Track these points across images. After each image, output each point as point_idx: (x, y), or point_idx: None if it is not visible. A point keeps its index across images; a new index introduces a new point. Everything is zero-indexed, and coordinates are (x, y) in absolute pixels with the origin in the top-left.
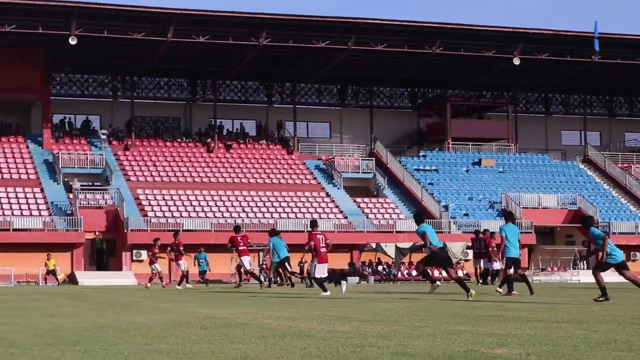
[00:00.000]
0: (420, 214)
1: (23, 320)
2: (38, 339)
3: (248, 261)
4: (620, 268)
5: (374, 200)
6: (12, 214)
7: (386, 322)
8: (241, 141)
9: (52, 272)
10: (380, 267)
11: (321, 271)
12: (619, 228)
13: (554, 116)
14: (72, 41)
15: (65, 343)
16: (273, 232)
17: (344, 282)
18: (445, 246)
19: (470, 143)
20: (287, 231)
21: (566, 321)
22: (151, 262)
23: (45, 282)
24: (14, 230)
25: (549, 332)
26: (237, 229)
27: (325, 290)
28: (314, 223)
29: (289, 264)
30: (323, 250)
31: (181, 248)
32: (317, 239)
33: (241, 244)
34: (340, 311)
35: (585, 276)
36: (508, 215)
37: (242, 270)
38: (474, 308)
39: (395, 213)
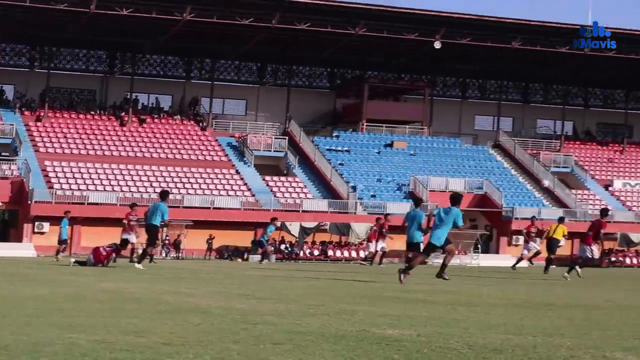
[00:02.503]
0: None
1: None
2: None
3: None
4: None
5: (283, 179)
6: None
7: (283, 301)
8: (155, 116)
9: None
10: (282, 246)
11: None
12: (522, 214)
13: (469, 101)
14: None
15: None
16: None
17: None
18: None
19: (384, 125)
20: (192, 207)
21: (461, 304)
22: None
23: None
24: None
25: (443, 315)
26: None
27: None
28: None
29: None
30: None
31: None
32: None
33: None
34: (240, 289)
35: (485, 260)
36: None
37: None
38: (373, 289)
39: (304, 192)
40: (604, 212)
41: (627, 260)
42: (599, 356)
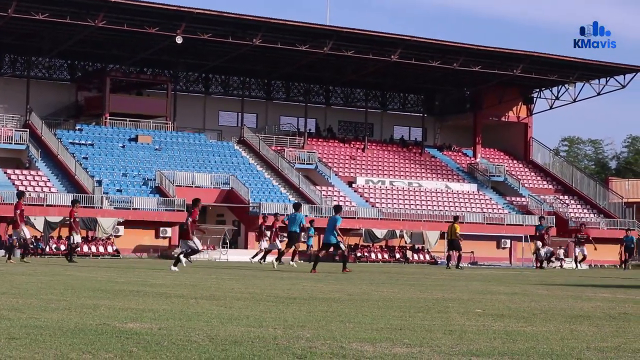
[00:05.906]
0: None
1: None
2: None
3: None
4: None
5: (25, 172)
6: None
7: (22, 295)
8: None
9: None
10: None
11: None
12: (269, 209)
13: (213, 96)
14: None
15: None
16: None
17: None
18: None
19: (128, 119)
20: None
21: (204, 298)
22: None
23: None
24: None
25: (185, 308)
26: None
27: None
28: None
29: None
30: None
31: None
32: None
33: None
34: None
35: (233, 255)
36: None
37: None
38: (116, 283)
39: (47, 186)
40: None
41: (372, 256)
42: (336, 347)
